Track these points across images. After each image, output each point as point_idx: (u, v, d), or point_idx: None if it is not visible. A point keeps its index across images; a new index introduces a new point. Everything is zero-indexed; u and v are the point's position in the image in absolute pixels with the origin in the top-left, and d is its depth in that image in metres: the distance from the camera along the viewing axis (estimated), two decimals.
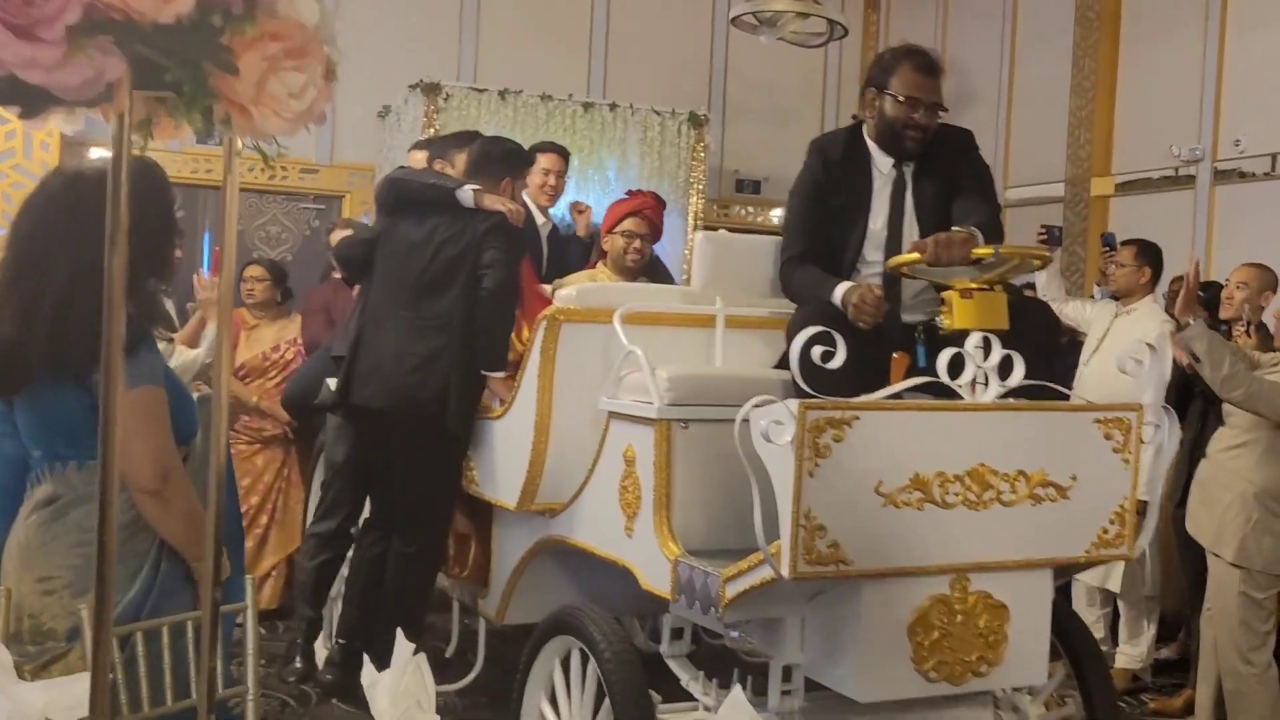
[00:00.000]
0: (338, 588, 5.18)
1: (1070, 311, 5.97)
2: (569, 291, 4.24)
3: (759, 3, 8.42)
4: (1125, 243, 6.07)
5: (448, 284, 4.55)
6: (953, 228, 3.52)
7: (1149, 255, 5.91)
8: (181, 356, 4.92)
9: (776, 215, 10.55)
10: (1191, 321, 4.67)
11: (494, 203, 4.60)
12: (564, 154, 5.99)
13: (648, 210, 5.21)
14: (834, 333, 3.08)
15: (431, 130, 8.58)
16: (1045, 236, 6.07)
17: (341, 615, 4.97)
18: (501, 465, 4.37)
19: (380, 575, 4.72)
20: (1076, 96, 9.27)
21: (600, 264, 5.28)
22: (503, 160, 4.85)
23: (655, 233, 5.28)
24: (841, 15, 9.30)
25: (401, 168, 5.32)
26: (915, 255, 3.41)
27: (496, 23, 9.83)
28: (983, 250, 3.34)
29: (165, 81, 1.35)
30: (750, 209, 10.74)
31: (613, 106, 9.15)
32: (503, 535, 4.53)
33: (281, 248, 9.46)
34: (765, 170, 10.20)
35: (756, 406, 3.00)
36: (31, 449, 2.69)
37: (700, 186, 9.29)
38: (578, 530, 4.02)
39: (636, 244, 5.12)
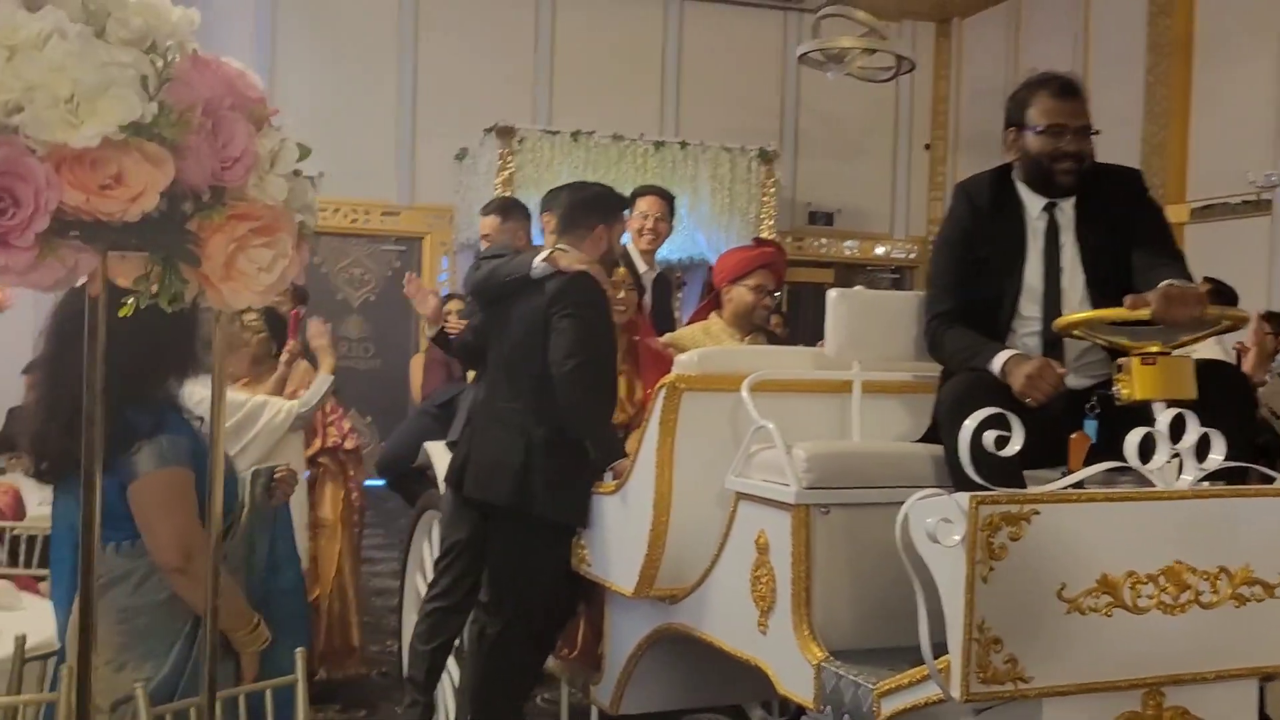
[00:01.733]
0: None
1: None
2: (689, 357, 3.82)
3: (826, 40, 8.43)
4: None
5: (529, 367, 4.14)
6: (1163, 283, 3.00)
7: (1223, 298, 5.82)
8: (272, 411, 4.89)
9: (849, 246, 10.52)
10: (1268, 379, 4.58)
11: (566, 262, 4.15)
12: (665, 196, 5.72)
13: (779, 263, 4.87)
14: (1009, 415, 2.68)
15: (506, 173, 8.72)
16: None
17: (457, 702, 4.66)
18: (616, 545, 3.97)
19: (494, 659, 4.35)
20: (1150, 123, 9.14)
21: (714, 315, 4.86)
22: (592, 205, 4.38)
23: (779, 285, 4.99)
24: (910, 48, 9.28)
25: (483, 255, 4.71)
26: (1124, 311, 2.95)
27: (570, 66, 9.94)
28: (1215, 311, 2.97)
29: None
30: (824, 240, 10.72)
31: (683, 144, 9.21)
32: (617, 618, 4.12)
33: (365, 289, 9.65)
34: (838, 202, 10.18)
35: (919, 500, 2.59)
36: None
37: (771, 221, 9.30)
38: (703, 620, 3.62)
39: (767, 300, 4.79)
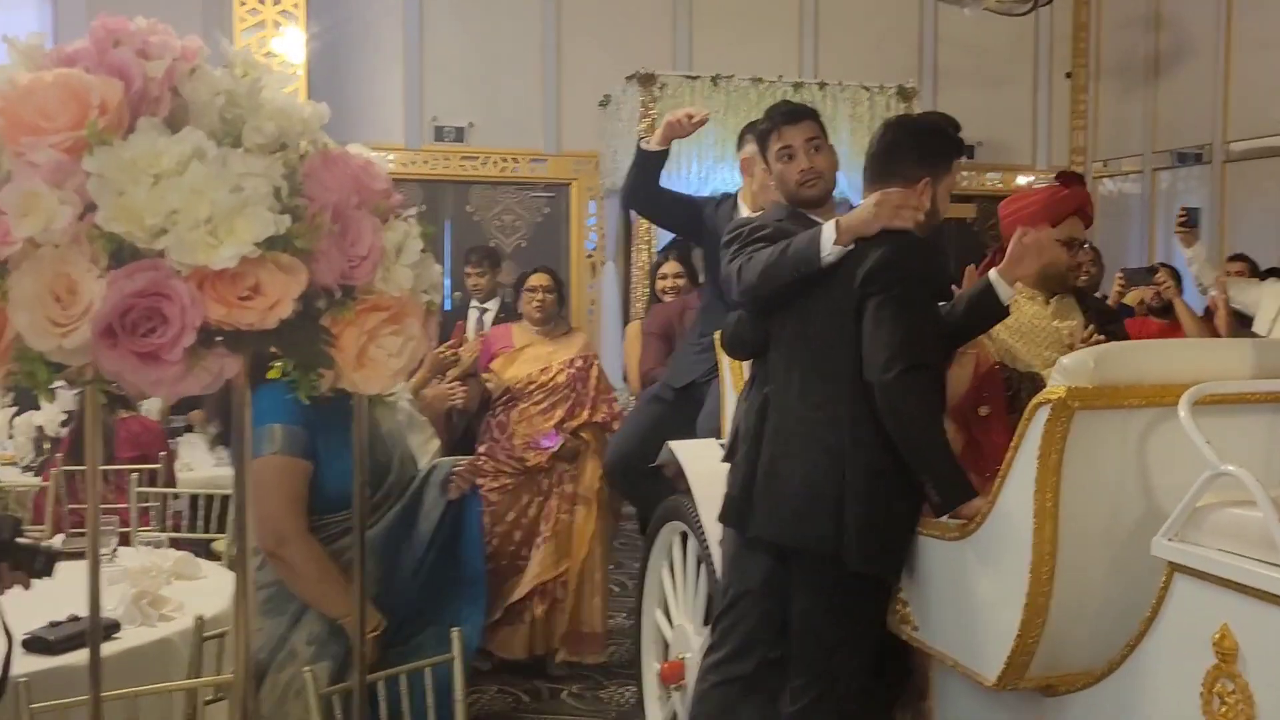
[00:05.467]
0: None
1: (1236, 294, 5.71)
2: (1081, 360, 2.60)
3: None
4: None
5: (839, 366, 3.13)
6: None
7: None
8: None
9: (992, 178, 10.28)
10: None
11: (875, 218, 3.05)
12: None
13: (1089, 206, 3.60)
14: None
15: (649, 120, 8.69)
16: (1185, 219, 5.79)
17: None
18: (963, 611, 2.92)
19: None
20: None
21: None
22: (919, 150, 3.25)
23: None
24: None
25: (737, 234, 3.39)
26: None
27: (709, 10, 9.85)
28: None
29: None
30: (965, 174, 10.48)
31: (822, 85, 9.07)
32: (954, 706, 3.11)
33: (515, 235, 9.77)
34: (979, 135, 9.90)
35: None
36: None
37: None
38: None
39: (1082, 256, 3.68)
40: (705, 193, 7.78)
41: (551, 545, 5.28)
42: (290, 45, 8.25)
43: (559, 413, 5.33)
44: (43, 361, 1.36)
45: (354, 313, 1.49)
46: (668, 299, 5.95)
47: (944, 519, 2.97)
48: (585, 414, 5.37)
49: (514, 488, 5.28)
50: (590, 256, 9.85)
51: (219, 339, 1.40)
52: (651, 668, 4.23)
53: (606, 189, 9.46)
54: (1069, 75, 10.20)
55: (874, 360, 3.02)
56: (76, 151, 1.37)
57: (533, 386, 5.36)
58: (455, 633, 3.04)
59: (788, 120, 3.45)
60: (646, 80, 8.88)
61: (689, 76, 9.04)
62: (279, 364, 1.57)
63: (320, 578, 2.98)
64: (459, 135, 9.57)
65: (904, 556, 3.12)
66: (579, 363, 5.46)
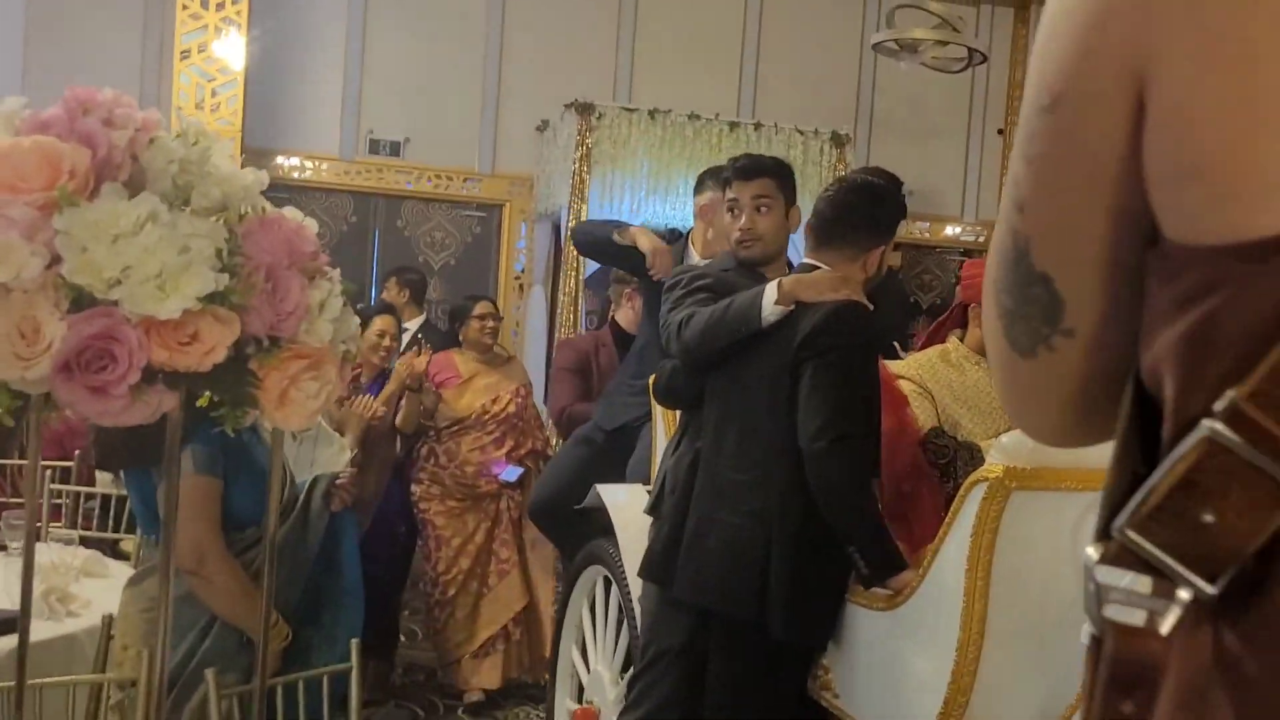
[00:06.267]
0: None
1: None
2: (1016, 440, 2.68)
3: (898, 31, 8.60)
4: None
5: (773, 430, 3.16)
6: None
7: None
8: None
9: (920, 227, 10.70)
10: None
11: (815, 290, 3.11)
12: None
13: None
14: None
15: (584, 148, 9.00)
16: None
17: None
18: (888, 683, 2.97)
19: None
20: None
21: (954, 337, 3.78)
22: (872, 220, 3.25)
23: None
24: (988, 34, 9.40)
25: (679, 284, 3.49)
26: None
27: (651, 45, 10.18)
28: None
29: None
30: None
31: (758, 126, 9.41)
32: None
33: (445, 252, 10.02)
34: (911, 184, 10.24)
35: None
36: None
37: None
38: None
39: None
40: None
41: (518, 574, 5.50)
42: (231, 50, 8.46)
43: (510, 441, 5.57)
44: (6, 389, 1.63)
45: (279, 360, 1.77)
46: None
47: (873, 589, 3.03)
48: (530, 443, 5.64)
49: (460, 512, 5.46)
50: (519, 278, 10.11)
51: (160, 377, 1.68)
52: (564, 705, 4.36)
53: (539, 213, 9.74)
54: (1001, 132, 10.67)
55: (806, 428, 3.05)
56: (48, 210, 1.64)
57: (486, 417, 5.54)
58: (355, 643, 3.28)
59: (740, 175, 3.56)
60: (585, 109, 9.17)
61: (627, 108, 9.34)
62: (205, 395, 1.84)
63: (240, 594, 3.18)
64: (394, 149, 9.80)
65: (830, 627, 3.13)
66: (523, 391, 5.74)
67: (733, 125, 9.39)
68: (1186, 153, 0.70)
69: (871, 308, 3.18)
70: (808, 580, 3.10)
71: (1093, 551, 0.72)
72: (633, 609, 3.74)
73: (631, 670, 3.60)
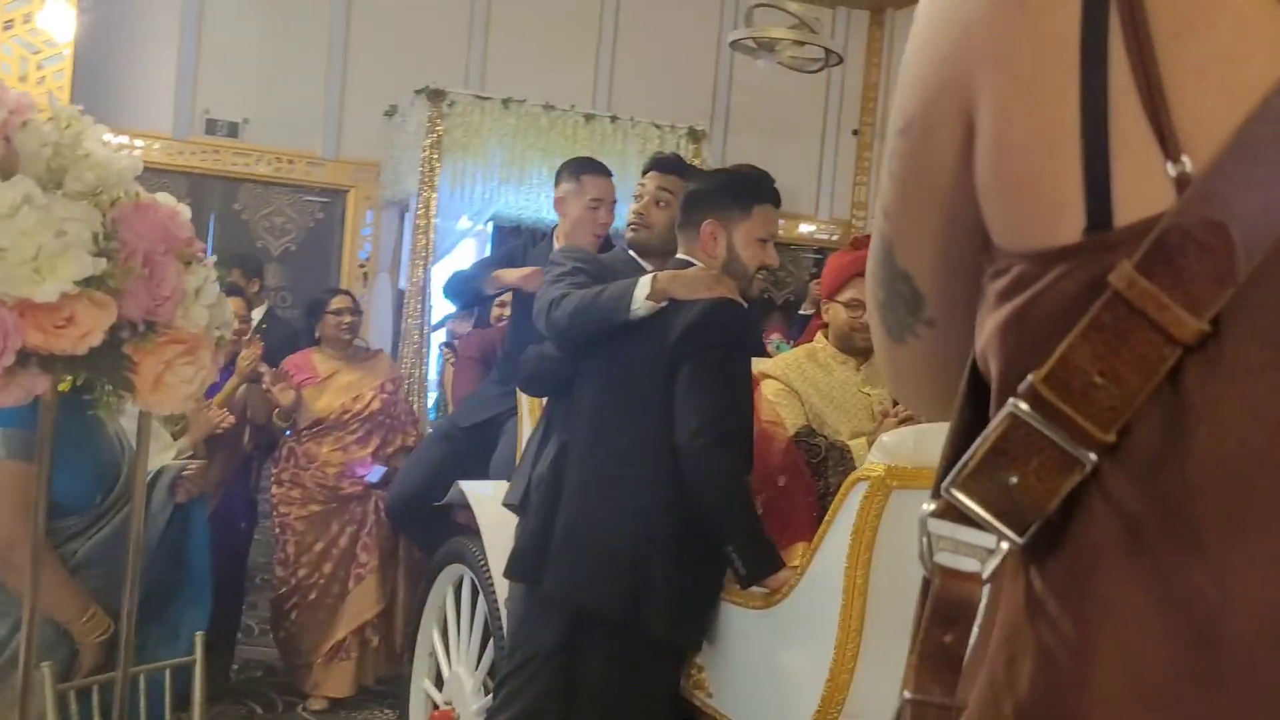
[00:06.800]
0: None
1: None
2: (899, 438, 2.79)
3: (756, 30, 8.78)
4: None
5: (649, 424, 3.16)
6: None
7: None
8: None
9: None
10: None
11: (689, 288, 3.14)
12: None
13: None
14: None
15: (435, 135, 8.99)
16: None
17: None
18: (764, 682, 3.02)
19: None
20: None
21: (821, 336, 3.79)
22: (711, 196, 3.29)
23: None
24: (844, 36, 9.65)
25: (559, 269, 3.46)
26: None
27: (505, 32, 10.19)
28: None
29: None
30: None
31: (614, 119, 9.50)
32: None
33: (285, 238, 9.90)
34: None
35: None
36: None
37: None
38: None
39: (862, 317, 3.54)
40: (488, 214, 8.21)
41: (375, 579, 5.37)
42: (58, 21, 8.23)
43: (375, 440, 5.45)
44: None
45: (155, 344, 1.79)
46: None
47: (750, 588, 3.04)
48: (399, 440, 5.51)
49: (322, 515, 5.34)
50: (363, 266, 10.03)
51: (34, 360, 1.69)
52: (421, 685, 4.33)
53: (386, 199, 9.68)
54: (856, 132, 10.96)
55: (684, 426, 3.05)
56: None
57: (348, 416, 5.41)
58: (199, 636, 3.24)
59: (658, 166, 3.79)
60: (436, 95, 9.13)
61: (480, 96, 9.32)
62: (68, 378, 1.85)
63: (54, 583, 3.10)
64: (232, 130, 9.63)
65: (707, 627, 3.15)
66: (389, 387, 5.59)
67: (589, 117, 9.46)
68: (1002, 174, 0.85)
69: (745, 305, 3.22)
70: (689, 579, 3.11)
71: (927, 507, 0.86)
72: (498, 612, 3.71)
73: (495, 670, 3.60)
